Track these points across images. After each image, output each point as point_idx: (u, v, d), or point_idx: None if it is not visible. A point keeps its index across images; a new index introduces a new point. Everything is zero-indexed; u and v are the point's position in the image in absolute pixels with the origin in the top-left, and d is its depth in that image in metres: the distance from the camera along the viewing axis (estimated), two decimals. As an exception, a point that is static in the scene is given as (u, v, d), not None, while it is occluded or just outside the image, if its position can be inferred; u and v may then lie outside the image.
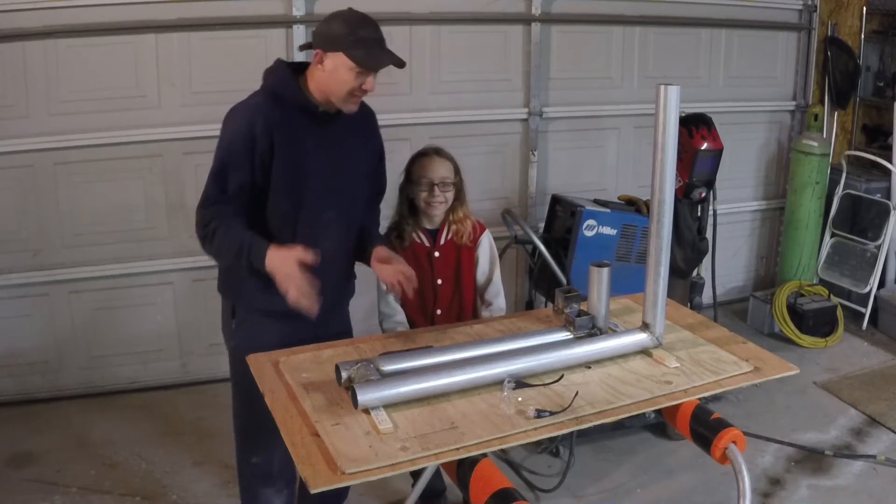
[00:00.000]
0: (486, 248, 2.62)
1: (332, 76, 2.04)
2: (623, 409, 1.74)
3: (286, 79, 2.11)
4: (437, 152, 2.56)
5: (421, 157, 2.54)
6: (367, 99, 2.16)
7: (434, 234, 2.55)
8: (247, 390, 2.20)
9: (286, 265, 1.94)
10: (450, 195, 2.51)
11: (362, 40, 2.01)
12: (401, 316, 2.54)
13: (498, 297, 2.63)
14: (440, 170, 2.50)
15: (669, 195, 1.87)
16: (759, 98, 4.60)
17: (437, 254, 2.55)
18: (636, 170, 4.31)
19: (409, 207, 2.54)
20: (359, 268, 2.38)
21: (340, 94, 2.05)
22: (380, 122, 2.34)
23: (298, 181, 2.11)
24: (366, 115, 2.26)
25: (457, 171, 2.55)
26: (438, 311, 2.56)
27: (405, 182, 2.54)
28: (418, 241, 2.54)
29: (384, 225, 2.54)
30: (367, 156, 2.29)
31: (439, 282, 2.55)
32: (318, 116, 2.11)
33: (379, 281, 2.51)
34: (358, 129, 2.23)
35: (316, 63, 2.06)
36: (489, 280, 2.62)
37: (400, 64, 2.05)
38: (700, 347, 2.03)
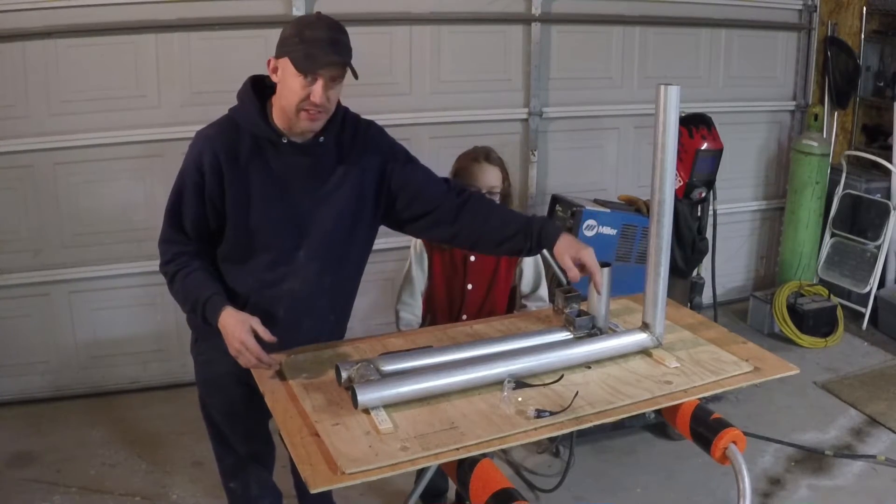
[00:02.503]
0: (531, 260, 2.53)
1: (282, 87, 1.83)
2: (623, 409, 1.73)
3: (246, 104, 1.90)
4: (487, 157, 2.44)
5: (471, 163, 2.43)
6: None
7: None
8: (210, 416, 2.22)
9: (238, 333, 1.80)
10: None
11: (307, 41, 1.76)
12: (419, 310, 2.49)
13: (538, 303, 2.51)
14: (489, 178, 2.41)
15: (669, 195, 1.87)
16: (759, 98, 4.60)
17: (472, 258, 2.45)
18: (636, 170, 4.31)
19: None
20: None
21: (292, 108, 1.82)
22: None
23: (251, 221, 1.92)
24: (353, 135, 1.97)
25: (505, 177, 2.46)
26: (464, 317, 2.48)
27: None
28: None
29: None
30: (359, 180, 1.99)
31: (469, 286, 2.47)
32: (282, 148, 1.90)
33: (408, 272, 2.46)
34: (342, 154, 1.96)
35: (271, 73, 1.85)
36: (534, 292, 2.53)
37: (343, 65, 1.78)
38: (700, 347, 2.03)
